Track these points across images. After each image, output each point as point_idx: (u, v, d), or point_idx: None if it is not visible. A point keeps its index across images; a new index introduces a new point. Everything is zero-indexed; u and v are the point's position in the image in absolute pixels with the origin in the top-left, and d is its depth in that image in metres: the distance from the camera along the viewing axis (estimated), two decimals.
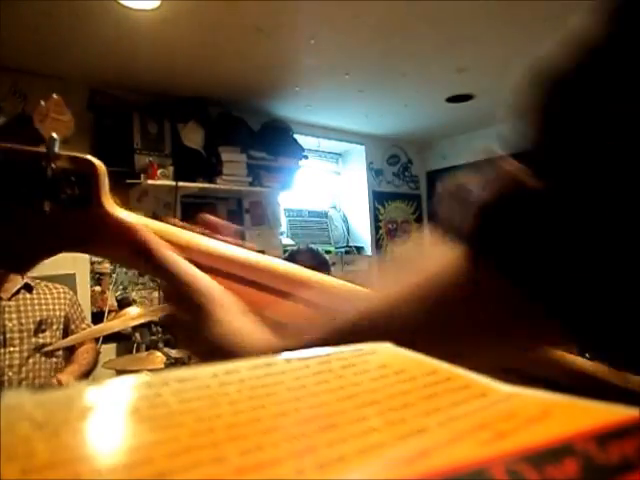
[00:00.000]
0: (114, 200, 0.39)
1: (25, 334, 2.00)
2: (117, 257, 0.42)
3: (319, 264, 2.13)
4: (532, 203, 0.30)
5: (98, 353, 2.22)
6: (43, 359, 2.03)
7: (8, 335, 1.97)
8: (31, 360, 1.99)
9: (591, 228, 0.28)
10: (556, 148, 0.30)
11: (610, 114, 0.28)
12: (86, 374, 2.07)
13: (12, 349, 1.96)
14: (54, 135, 0.35)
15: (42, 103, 0.37)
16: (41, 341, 2.03)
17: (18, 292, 2.05)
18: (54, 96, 0.38)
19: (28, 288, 2.08)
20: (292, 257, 2.19)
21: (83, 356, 2.11)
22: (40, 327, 2.04)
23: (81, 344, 2.14)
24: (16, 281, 2.05)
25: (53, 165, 0.34)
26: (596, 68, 0.29)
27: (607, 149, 0.28)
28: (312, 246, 2.30)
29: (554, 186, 0.29)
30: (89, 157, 0.37)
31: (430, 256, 0.36)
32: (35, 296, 2.08)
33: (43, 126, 0.36)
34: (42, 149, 0.35)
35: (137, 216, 0.40)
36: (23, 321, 2.01)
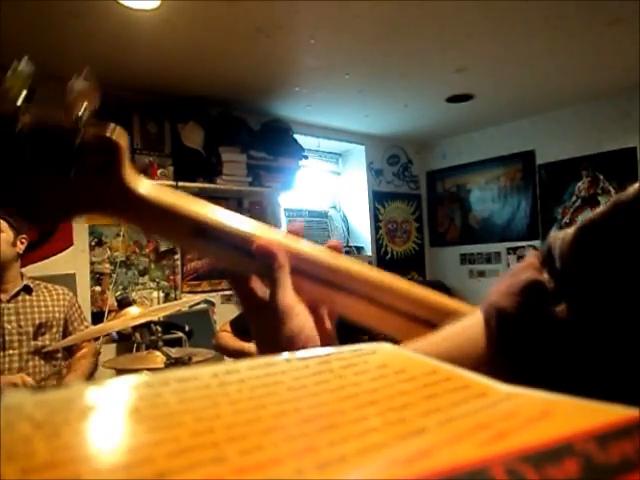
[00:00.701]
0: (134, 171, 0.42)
1: (24, 337, 1.99)
2: (138, 224, 0.44)
3: None
4: (550, 322, 0.35)
5: (98, 354, 2.20)
6: (42, 362, 2.01)
7: (7, 338, 1.95)
8: (30, 363, 1.98)
9: (601, 356, 0.32)
10: (582, 278, 0.35)
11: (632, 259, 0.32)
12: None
13: (11, 352, 1.95)
14: (79, 113, 0.38)
15: (73, 78, 0.41)
16: (40, 344, 2.01)
17: (18, 294, 2.03)
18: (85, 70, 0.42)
19: (27, 290, 2.06)
20: None
21: (81, 362, 2.08)
22: (40, 330, 2.03)
23: (80, 347, 2.12)
24: (16, 283, 2.03)
25: (81, 136, 0.38)
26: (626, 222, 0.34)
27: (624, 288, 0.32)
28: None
29: (574, 311, 0.35)
30: (114, 130, 0.40)
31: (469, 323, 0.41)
32: (35, 298, 2.06)
33: (73, 98, 0.39)
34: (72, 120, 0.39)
35: (159, 187, 0.42)
36: (22, 324, 2.00)
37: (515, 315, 0.36)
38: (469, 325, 0.40)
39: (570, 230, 0.37)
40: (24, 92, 0.38)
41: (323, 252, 0.46)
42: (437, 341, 0.40)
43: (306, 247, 0.45)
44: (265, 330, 0.44)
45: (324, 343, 0.43)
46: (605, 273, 0.34)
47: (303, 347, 0.41)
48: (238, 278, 0.45)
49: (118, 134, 0.40)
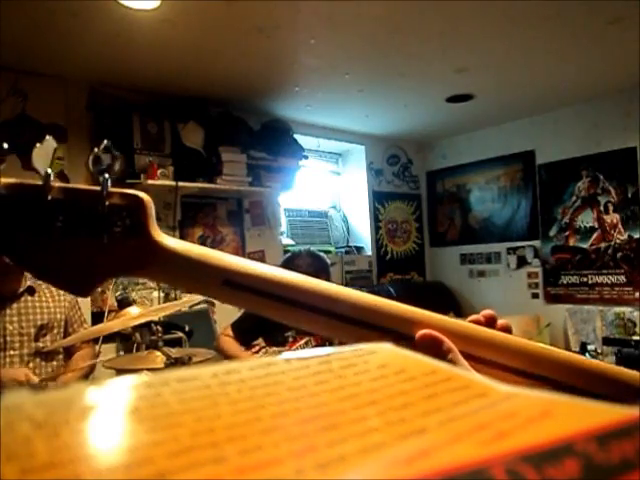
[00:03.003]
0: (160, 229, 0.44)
1: (25, 338, 1.98)
2: (169, 280, 0.47)
3: (319, 269, 2.10)
4: None
5: (97, 356, 2.20)
6: (43, 363, 2.01)
7: (8, 338, 1.95)
8: (31, 364, 1.97)
9: None
10: None
11: None
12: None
13: (12, 352, 1.95)
14: (106, 175, 0.41)
15: (95, 151, 0.44)
16: (41, 345, 2.01)
17: (21, 295, 2.02)
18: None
19: (31, 291, 2.05)
20: (291, 260, 2.15)
21: (78, 364, 2.08)
22: (41, 331, 2.02)
23: (78, 348, 2.11)
24: (19, 283, 2.03)
25: (106, 202, 0.40)
26: None
27: None
28: (312, 250, 2.25)
29: None
30: (137, 193, 0.42)
31: None
32: (37, 299, 2.06)
33: (98, 169, 0.42)
34: (97, 187, 0.41)
35: (183, 242, 0.44)
36: (24, 325, 1.99)
37: None
38: None
39: None
40: (51, 164, 0.41)
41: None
42: None
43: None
44: None
45: None
46: None
47: None
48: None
49: (142, 194, 0.42)
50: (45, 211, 0.39)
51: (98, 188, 0.40)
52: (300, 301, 0.43)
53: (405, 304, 0.44)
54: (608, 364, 0.46)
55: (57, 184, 0.40)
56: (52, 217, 0.39)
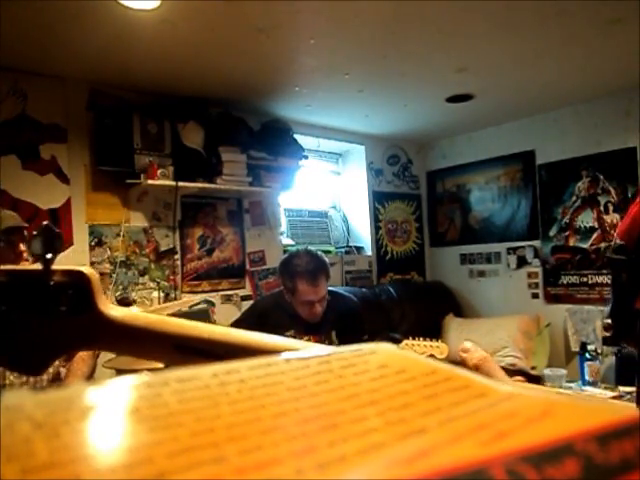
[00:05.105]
0: (107, 298, 0.45)
1: None
2: (124, 351, 0.48)
3: (318, 268, 2.10)
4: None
5: (97, 356, 2.19)
6: None
7: None
8: None
9: None
10: None
11: None
12: None
13: None
14: (48, 256, 0.40)
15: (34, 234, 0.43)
16: None
17: None
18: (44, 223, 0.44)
19: None
20: (290, 260, 2.15)
21: (78, 366, 2.07)
22: None
23: None
24: None
25: (51, 281, 0.40)
26: None
27: None
28: (311, 249, 2.25)
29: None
30: (81, 269, 0.42)
31: None
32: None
33: (34, 247, 0.41)
34: (39, 267, 0.40)
35: (131, 311, 0.45)
36: None
37: None
38: None
39: None
40: None
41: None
42: None
43: None
44: None
45: None
46: None
47: None
48: None
49: (86, 269, 0.43)
50: None
51: (40, 267, 0.40)
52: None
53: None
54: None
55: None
56: None
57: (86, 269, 0.42)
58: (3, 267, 0.40)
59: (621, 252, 1.61)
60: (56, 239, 0.42)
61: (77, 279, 0.41)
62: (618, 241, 1.68)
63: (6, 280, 0.40)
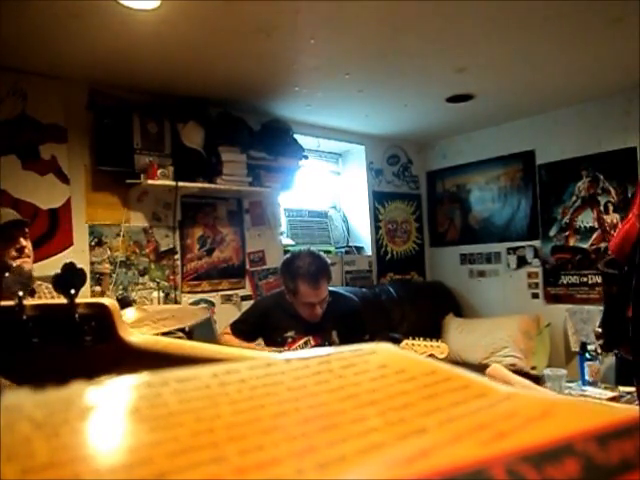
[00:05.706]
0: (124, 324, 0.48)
1: None
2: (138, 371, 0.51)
3: (320, 269, 2.10)
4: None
5: None
6: None
7: None
8: None
9: None
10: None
11: None
12: None
13: None
14: (72, 291, 0.44)
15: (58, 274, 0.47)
16: None
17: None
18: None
19: (31, 292, 2.05)
20: (292, 261, 2.15)
21: None
22: None
23: None
24: None
25: (76, 314, 0.44)
26: None
27: None
28: (313, 250, 2.24)
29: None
30: (103, 301, 0.46)
31: None
32: (37, 300, 2.06)
33: (59, 284, 0.45)
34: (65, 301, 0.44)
35: (150, 337, 0.50)
36: None
37: None
38: None
39: None
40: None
41: None
42: None
43: None
44: None
45: None
46: None
47: None
48: None
49: (107, 301, 0.47)
50: (21, 329, 0.42)
51: (66, 302, 0.43)
52: None
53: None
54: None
55: (30, 302, 0.44)
56: (28, 334, 0.42)
57: (107, 301, 0.46)
58: (33, 302, 0.44)
59: (612, 266, 1.64)
60: (78, 276, 0.45)
61: (99, 310, 0.45)
62: (610, 254, 1.73)
63: (36, 314, 0.43)
